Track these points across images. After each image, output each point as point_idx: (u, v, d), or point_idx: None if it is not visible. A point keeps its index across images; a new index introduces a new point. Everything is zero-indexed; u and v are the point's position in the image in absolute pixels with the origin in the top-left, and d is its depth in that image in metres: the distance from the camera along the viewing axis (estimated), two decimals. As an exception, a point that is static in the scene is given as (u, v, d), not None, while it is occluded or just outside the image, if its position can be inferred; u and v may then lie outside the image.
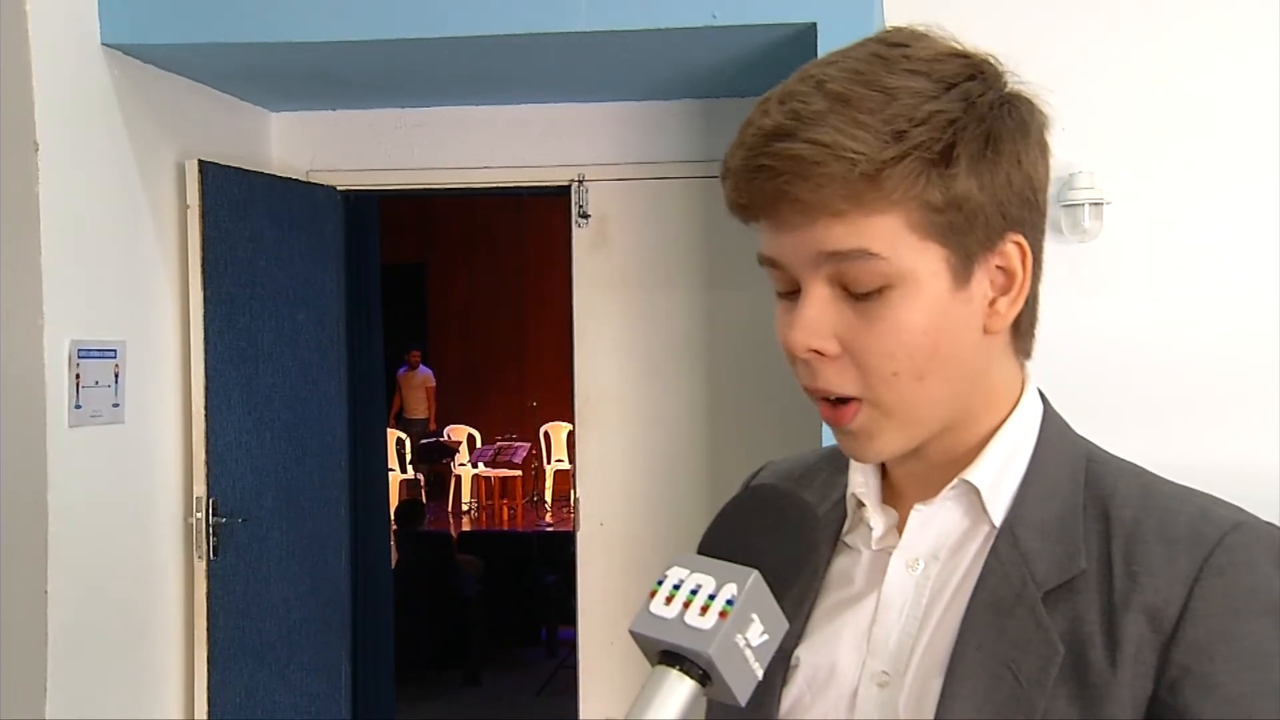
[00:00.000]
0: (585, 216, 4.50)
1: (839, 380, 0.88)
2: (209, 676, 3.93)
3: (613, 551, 4.50)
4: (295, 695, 4.24)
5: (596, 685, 4.52)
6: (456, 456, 11.56)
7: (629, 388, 4.52)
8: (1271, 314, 3.30)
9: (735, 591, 0.80)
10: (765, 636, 0.81)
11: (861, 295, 0.86)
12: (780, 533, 0.86)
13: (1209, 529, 0.85)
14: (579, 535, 4.56)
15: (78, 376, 3.39)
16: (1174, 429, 3.26)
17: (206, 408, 3.92)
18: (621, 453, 4.53)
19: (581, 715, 4.52)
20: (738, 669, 0.79)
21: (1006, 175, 0.87)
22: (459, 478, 11.46)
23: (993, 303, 0.89)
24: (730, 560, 0.82)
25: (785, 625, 0.82)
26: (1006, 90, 0.89)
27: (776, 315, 0.91)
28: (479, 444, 11.78)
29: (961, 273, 0.87)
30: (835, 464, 1.04)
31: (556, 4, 3.41)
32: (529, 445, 11.03)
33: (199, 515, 3.93)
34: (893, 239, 0.84)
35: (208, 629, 3.92)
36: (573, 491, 4.65)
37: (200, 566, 3.95)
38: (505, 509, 11.27)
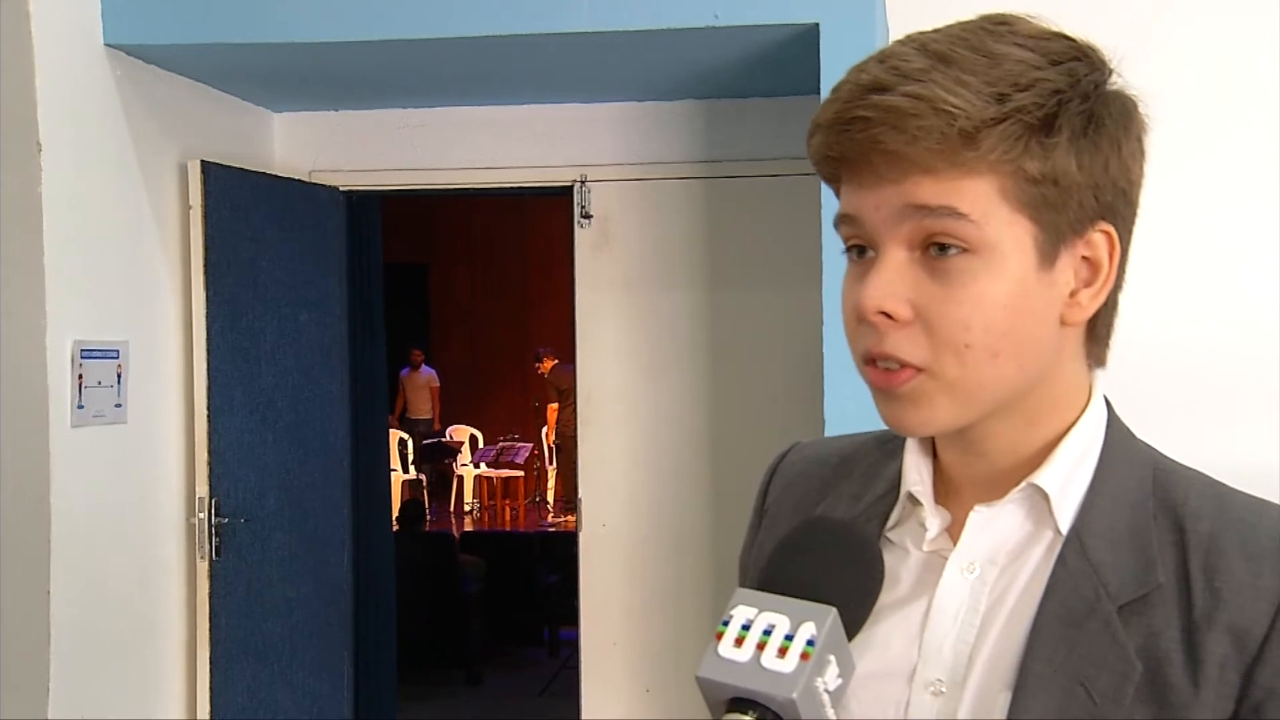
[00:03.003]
0: (587, 217, 4.50)
1: (908, 347, 0.83)
2: (211, 677, 3.93)
3: (615, 552, 4.50)
4: (297, 695, 4.24)
5: (598, 686, 4.52)
6: (459, 457, 11.56)
7: (631, 388, 4.52)
8: (1272, 314, 3.29)
9: (815, 631, 0.75)
10: (840, 680, 0.76)
11: (941, 261, 0.82)
12: (849, 569, 0.83)
13: None
14: (581, 535, 4.55)
15: (80, 376, 3.40)
16: (1173, 429, 3.23)
17: (209, 408, 3.93)
18: (624, 453, 4.53)
19: (583, 716, 4.52)
20: (815, 714, 0.75)
21: (1105, 160, 0.84)
22: (461, 478, 11.46)
23: (1074, 293, 0.86)
24: (795, 596, 0.78)
25: (854, 667, 0.78)
26: (1111, 80, 0.86)
27: (845, 280, 0.88)
28: (481, 444, 11.78)
29: (1048, 253, 0.84)
30: (880, 453, 1.00)
31: (558, 4, 3.41)
32: (531, 445, 11.04)
33: (201, 515, 3.94)
34: (984, 204, 0.82)
35: (210, 629, 3.93)
36: (575, 491, 4.66)
37: (203, 567, 3.95)
38: (507, 509, 11.27)
